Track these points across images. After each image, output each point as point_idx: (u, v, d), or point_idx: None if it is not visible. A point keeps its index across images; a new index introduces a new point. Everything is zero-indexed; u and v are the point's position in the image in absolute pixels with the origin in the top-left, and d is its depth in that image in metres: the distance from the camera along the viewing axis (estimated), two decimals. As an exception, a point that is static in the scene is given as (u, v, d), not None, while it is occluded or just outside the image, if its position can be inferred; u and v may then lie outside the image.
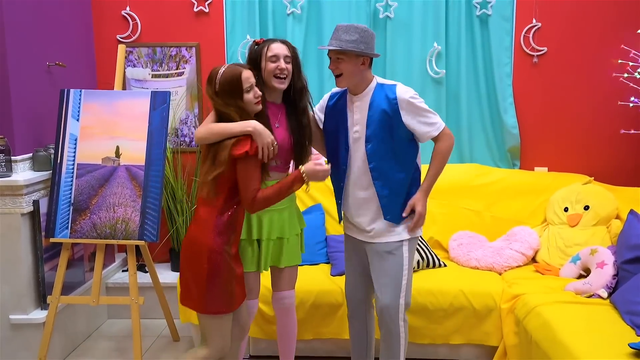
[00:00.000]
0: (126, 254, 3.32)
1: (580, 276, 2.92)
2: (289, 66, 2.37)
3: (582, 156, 3.62)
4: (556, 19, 3.55)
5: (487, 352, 2.92)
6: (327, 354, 3.02)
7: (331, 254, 3.18)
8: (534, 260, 3.21)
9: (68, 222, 2.91)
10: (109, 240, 2.91)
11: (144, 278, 3.47)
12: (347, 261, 2.61)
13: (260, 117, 2.23)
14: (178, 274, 3.51)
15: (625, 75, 3.21)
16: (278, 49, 2.36)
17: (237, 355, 2.46)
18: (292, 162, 2.48)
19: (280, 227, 2.43)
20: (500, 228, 3.34)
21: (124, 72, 3.53)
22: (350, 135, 2.40)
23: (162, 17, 3.68)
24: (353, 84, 2.36)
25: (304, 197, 3.38)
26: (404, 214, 2.38)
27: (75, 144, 2.97)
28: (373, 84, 2.38)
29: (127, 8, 3.67)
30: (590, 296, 2.67)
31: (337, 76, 2.34)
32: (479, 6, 3.52)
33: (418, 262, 3.07)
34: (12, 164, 2.86)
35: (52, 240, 2.91)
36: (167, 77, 3.73)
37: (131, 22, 3.68)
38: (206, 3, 3.64)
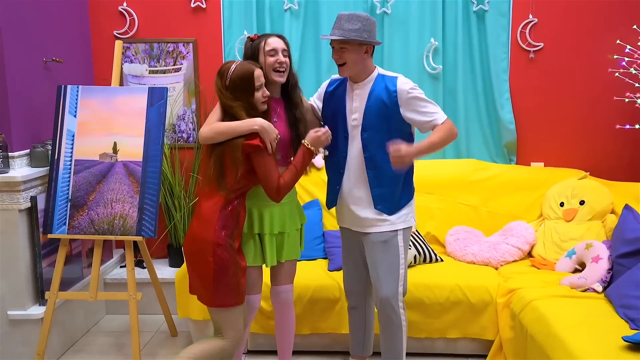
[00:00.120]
0: (124, 249, 3.33)
1: (576, 270, 2.94)
2: (287, 60, 2.39)
3: (578, 151, 3.63)
4: (552, 14, 3.56)
5: (483, 346, 2.94)
6: (324, 348, 3.04)
7: (328, 249, 3.19)
8: (530, 254, 3.23)
9: (66, 218, 2.92)
10: (106, 236, 2.92)
11: (142, 274, 3.48)
12: (344, 254, 2.63)
13: (262, 112, 2.29)
14: (176, 269, 3.55)
15: (621, 70, 3.23)
16: (276, 43, 2.38)
17: (236, 352, 2.48)
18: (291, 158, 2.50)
19: (282, 222, 2.44)
20: (497, 223, 3.36)
21: (121, 68, 3.53)
22: (348, 122, 2.42)
23: (159, 13, 3.68)
24: (356, 72, 2.38)
25: (301, 193, 3.38)
26: (390, 149, 2.28)
27: (73, 140, 2.97)
28: (374, 74, 2.41)
29: (124, 4, 3.66)
30: (585, 290, 2.69)
31: (340, 65, 2.36)
32: (475, 2, 3.53)
33: (415, 257, 3.09)
34: (10, 160, 2.86)
35: (49, 236, 2.91)
36: (164, 73, 3.73)
37: (128, 18, 3.68)
38: (203, -1, 3.65)
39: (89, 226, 2.91)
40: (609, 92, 3.43)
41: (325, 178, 2.63)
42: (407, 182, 2.45)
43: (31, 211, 2.91)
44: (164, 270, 3.60)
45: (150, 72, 3.72)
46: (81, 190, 2.93)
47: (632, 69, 3.19)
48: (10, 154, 2.86)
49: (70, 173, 2.95)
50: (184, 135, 3.77)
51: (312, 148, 2.31)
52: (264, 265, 2.47)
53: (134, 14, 3.67)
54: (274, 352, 2.85)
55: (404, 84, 2.34)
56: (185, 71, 3.72)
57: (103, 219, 2.91)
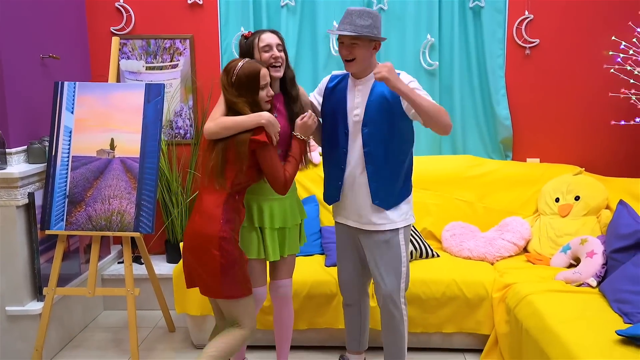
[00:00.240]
0: (122, 245, 3.34)
1: (571, 265, 2.97)
2: (282, 54, 2.40)
3: (574, 147, 3.65)
4: (548, 10, 3.57)
5: (479, 340, 2.96)
6: (321, 343, 3.05)
7: (325, 245, 3.20)
8: (525, 250, 3.26)
9: (63, 215, 2.92)
10: (104, 232, 2.92)
11: (139, 270, 3.48)
12: (339, 251, 2.63)
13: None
14: (174, 265, 3.56)
15: (616, 66, 3.24)
16: (269, 38, 2.39)
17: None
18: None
19: (283, 217, 2.45)
20: (493, 218, 3.38)
21: (118, 64, 3.53)
22: (349, 118, 2.42)
23: (156, 9, 3.68)
24: (362, 68, 2.39)
25: (298, 189, 3.39)
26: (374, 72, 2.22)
27: (70, 136, 2.97)
28: None
29: (121, 0, 3.66)
30: (580, 285, 2.72)
31: (348, 61, 2.35)
32: (471, -2, 3.55)
33: (411, 252, 3.10)
34: (7, 156, 2.87)
35: (47, 232, 2.92)
36: (161, 69, 3.73)
37: (125, 14, 3.68)
38: (200, -5, 3.65)
39: (86, 222, 2.92)
40: (604, 88, 3.44)
41: (322, 174, 2.63)
42: (406, 178, 2.46)
43: (29, 207, 2.92)
44: (162, 266, 3.61)
45: (147, 68, 3.72)
46: (79, 187, 2.94)
47: (627, 65, 3.21)
48: (7, 150, 2.87)
49: (67, 169, 2.95)
50: (181, 131, 3.78)
51: (303, 137, 2.36)
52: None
53: (130, 10, 3.67)
54: (272, 347, 2.86)
55: (405, 77, 2.36)
56: (182, 67, 3.72)
57: (101, 215, 2.92)
